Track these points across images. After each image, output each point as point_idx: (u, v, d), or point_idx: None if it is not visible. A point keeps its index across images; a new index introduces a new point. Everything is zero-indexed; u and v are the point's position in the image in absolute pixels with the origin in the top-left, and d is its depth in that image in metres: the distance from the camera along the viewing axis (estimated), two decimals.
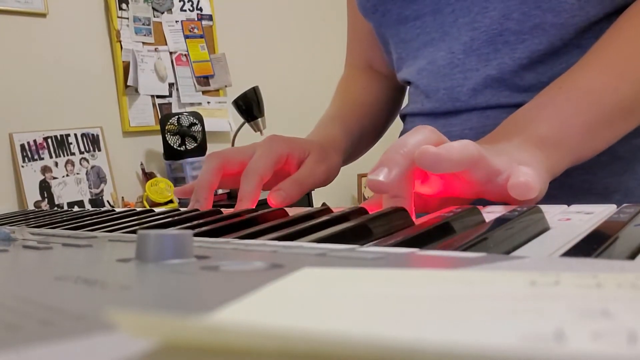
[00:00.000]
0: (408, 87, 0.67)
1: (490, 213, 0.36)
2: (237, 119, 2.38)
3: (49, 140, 2.09)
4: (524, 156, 0.41)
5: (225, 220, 0.42)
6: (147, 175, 2.29)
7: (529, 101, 0.48)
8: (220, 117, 2.52)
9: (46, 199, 2.05)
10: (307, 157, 0.58)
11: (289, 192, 0.53)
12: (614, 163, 0.53)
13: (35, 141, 2.06)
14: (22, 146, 2.03)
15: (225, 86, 2.56)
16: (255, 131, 2.26)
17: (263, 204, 0.49)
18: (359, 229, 0.31)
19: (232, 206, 0.51)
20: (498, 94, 0.55)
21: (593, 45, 0.49)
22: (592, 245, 0.24)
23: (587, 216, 0.32)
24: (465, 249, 0.24)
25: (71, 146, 2.14)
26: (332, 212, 0.39)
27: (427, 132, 0.38)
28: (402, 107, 0.70)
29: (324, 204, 0.49)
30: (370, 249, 0.25)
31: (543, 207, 0.33)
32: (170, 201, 2.18)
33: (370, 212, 0.36)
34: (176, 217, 0.47)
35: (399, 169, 0.35)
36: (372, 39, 0.72)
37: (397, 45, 0.65)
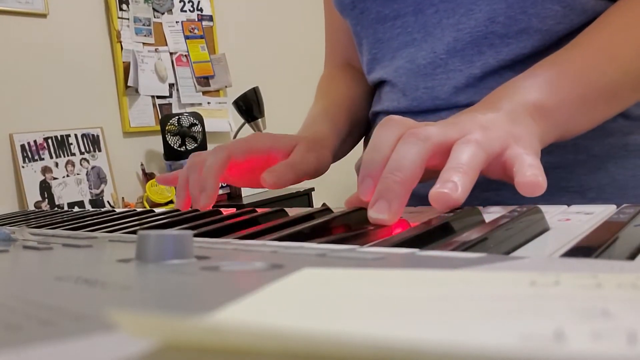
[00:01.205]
0: (381, 86, 0.65)
1: (490, 213, 0.36)
2: (237, 119, 2.38)
3: (49, 140, 2.09)
4: (516, 129, 0.40)
5: (225, 220, 0.42)
6: (148, 176, 2.29)
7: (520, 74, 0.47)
8: (220, 118, 2.52)
9: (46, 200, 2.05)
10: (295, 147, 0.57)
11: (281, 172, 0.52)
12: (589, 161, 0.54)
13: (35, 141, 2.06)
14: (23, 146, 2.03)
15: (226, 86, 2.56)
16: (256, 132, 2.26)
17: (263, 204, 0.49)
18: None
19: (232, 206, 0.51)
20: (480, 92, 0.55)
21: (585, 29, 0.49)
22: (592, 245, 0.24)
23: (587, 216, 0.32)
24: (465, 249, 0.24)
25: (71, 146, 2.14)
26: (332, 212, 0.39)
27: (409, 137, 0.37)
28: (373, 107, 0.68)
29: (324, 204, 0.49)
30: (370, 249, 0.25)
31: (543, 208, 0.33)
32: (171, 201, 2.18)
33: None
34: (176, 218, 0.47)
35: (398, 200, 0.34)
36: (350, 37, 0.70)
37: (372, 45, 0.64)
